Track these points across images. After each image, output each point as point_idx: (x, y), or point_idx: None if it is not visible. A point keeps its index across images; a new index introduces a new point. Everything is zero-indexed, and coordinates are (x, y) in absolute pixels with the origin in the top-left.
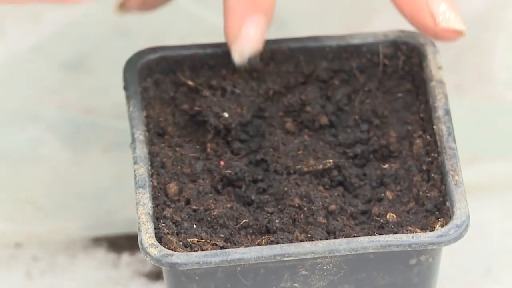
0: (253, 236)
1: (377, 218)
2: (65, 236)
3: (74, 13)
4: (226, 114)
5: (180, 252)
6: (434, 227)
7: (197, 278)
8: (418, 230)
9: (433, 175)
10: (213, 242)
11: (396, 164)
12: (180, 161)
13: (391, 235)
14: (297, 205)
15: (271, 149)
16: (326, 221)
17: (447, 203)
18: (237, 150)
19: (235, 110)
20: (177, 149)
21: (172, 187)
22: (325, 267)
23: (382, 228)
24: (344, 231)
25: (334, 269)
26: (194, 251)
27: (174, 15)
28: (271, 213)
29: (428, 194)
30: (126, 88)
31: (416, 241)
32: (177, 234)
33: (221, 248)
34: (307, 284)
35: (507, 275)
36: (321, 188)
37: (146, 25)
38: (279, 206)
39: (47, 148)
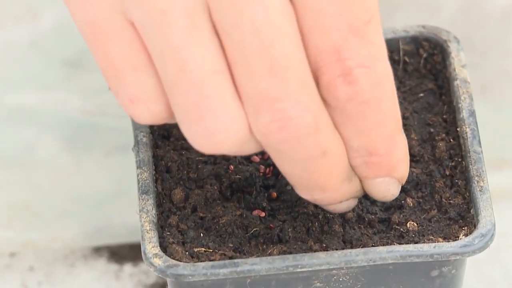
0: (264, 246)
1: (396, 226)
2: (63, 245)
3: None
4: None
5: (186, 262)
6: (458, 236)
7: None
8: (440, 239)
9: (456, 180)
10: (222, 252)
11: (417, 168)
12: (186, 165)
13: (411, 244)
14: (311, 213)
15: None
16: (342, 230)
17: (472, 211)
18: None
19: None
20: (183, 152)
21: (178, 193)
22: (341, 279)
23: (402, 237)
24: (361, 241)
25: (351, 281)
26: (201, 261)
27: None
28: (284, 221)
29: (451, 201)
30: None
31: (439, 251)
32: (183, 243)
33: (230, 258)
34: None
35: None
36: None
37: None
38: (292, 214)
39: (45, 150)
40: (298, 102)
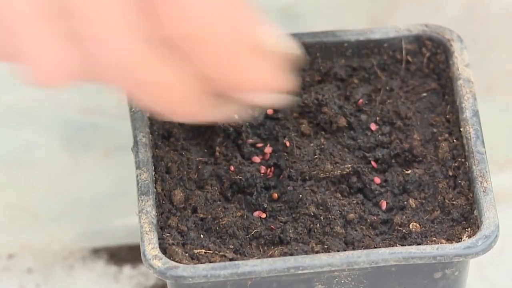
0: (265, 247)
1: (399, 228)
2: (61, 247)
3: None
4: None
5: (186, 264)
6: (461, 238)
7: None
8: (443, 241)
9: (460, 181)
10: (222, 253)
11: (420, 169)
12: (187, 165)
13: (414, 246)
14: (312, 214)
15: (285, 154)
16: (344, 231)
17: (475, 212)
18: (248, 154)
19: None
20: (183, 152)
21: (178, 194)
22: (342, 281)
23: (405, 239)
24: (363, 242)
25: (353, 283)
26: (201, 263)
27: None
28: (285, 223)
29: (454, 202)
30: None
31: (441, 253)
32: (183, 244)
33: (231, 260)
34: None
35: None
36: (338, 195)
37: None
38: (293, 215)
39: (43, 151)
40: (120, 41)
